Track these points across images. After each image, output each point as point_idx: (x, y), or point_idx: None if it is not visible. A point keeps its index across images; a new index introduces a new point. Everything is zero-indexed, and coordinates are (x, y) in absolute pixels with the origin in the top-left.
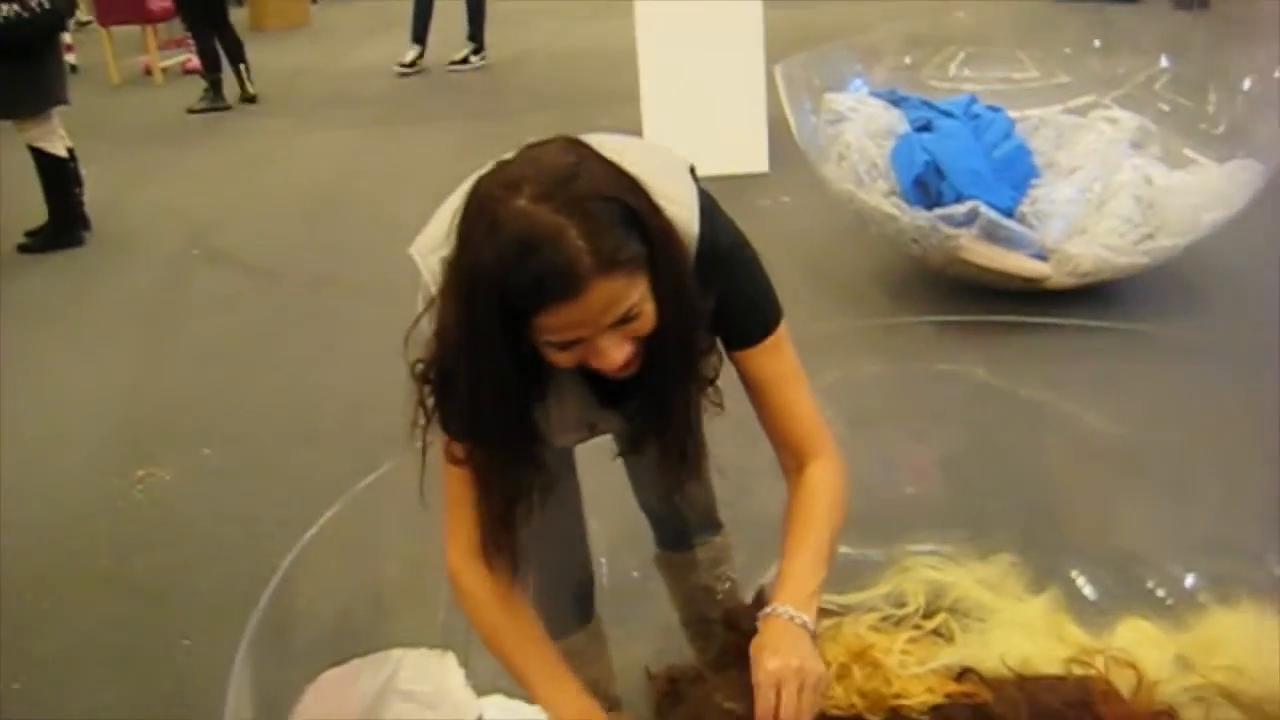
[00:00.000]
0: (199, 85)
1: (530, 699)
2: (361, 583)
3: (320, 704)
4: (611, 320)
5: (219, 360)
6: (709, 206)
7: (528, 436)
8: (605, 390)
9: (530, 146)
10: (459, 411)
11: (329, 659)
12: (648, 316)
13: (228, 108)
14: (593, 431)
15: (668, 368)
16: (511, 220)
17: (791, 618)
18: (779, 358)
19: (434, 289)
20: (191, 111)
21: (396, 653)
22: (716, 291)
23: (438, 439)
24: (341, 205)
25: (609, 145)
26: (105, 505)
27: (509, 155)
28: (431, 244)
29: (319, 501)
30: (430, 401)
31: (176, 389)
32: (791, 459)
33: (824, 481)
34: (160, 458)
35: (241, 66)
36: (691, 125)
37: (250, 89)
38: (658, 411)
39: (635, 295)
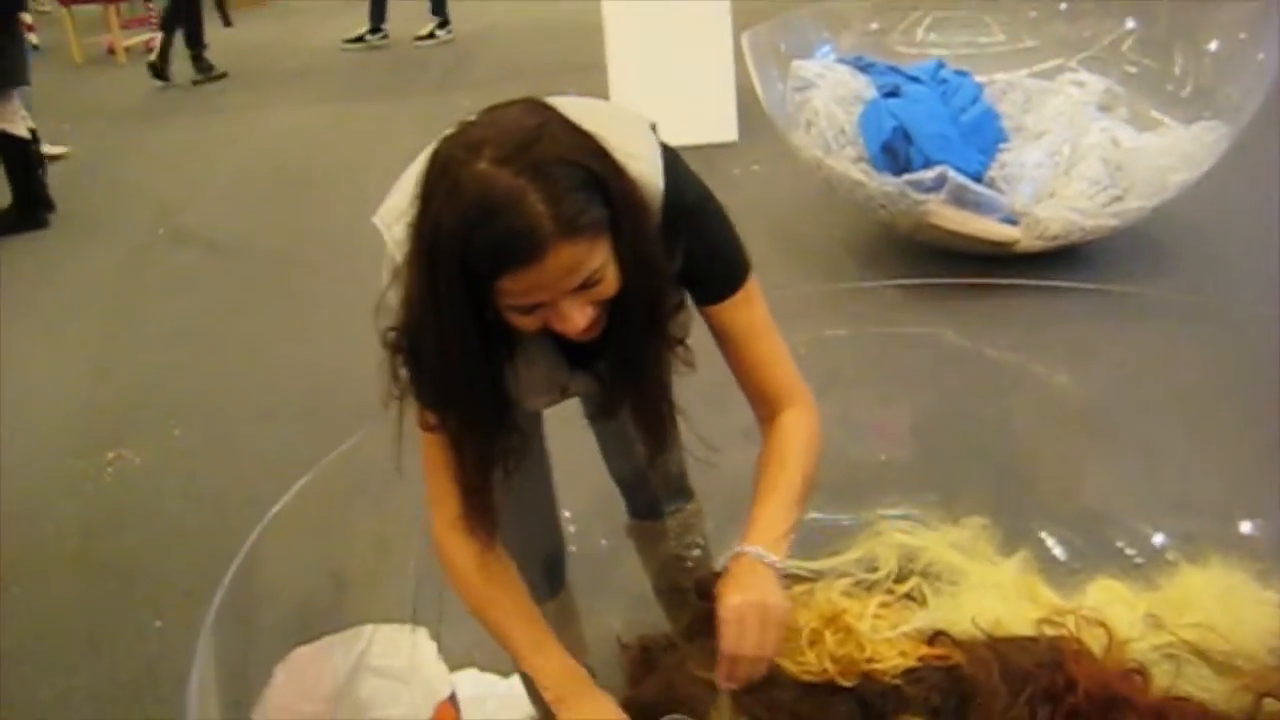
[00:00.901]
0: None
1: (516, 665)
2: (329, 559)
3: (292, 681)
4: (573, 285)
5: (186, 340)
6: (673, 161)
7: (499, 400)
8: (574, 352)
9: (493, 108)
10: (430, 378)
11: (298, 636)
12: (610, 281)
13: (224, 74)
14: (563, 394)
15: (635, 329)
16: (472, 183)
17: (759, 557)
18: (750, 310)
19: (398, 258)
20: (195, 83)
21: (368, 628)
22: (684, 247)
23: (413, 408)
24: (307, 181)
25: (570, 106)
26: (74, 487)
27: (472, 116)
28: (395, 213)
29: (289, 479)
30: (402, 371)
31: (144, 369)
32: (766, 409)
33: (797, 426)
34: (129, 439)
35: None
36: (659, 95)
37: (166, 68)
38: (629, 374)
39: (597, 260)
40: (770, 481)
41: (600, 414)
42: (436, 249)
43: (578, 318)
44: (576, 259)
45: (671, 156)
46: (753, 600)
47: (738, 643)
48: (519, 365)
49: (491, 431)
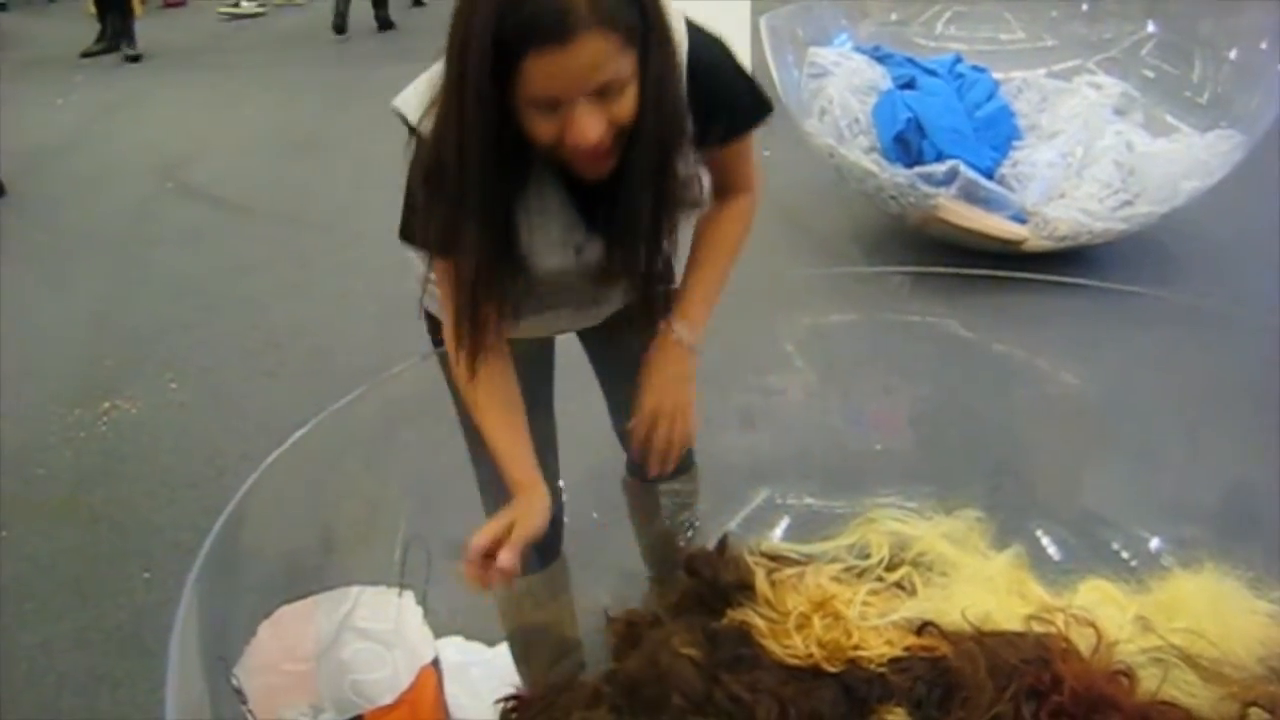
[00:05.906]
0: (175, 18)
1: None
2: (319, 519)
3: (276, 639)
4: (594, 84)
5: (188, 294)
6: (693, 25)
7: (509, 238)
8: (587, 207)
9: None
10: (447, 205)
11: (285, 594)
12: (629, 100)
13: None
14: (577, 253)
15: (642, 166)
16: None
17: (680, 340)
18: (747, 141)
19: (414, 120)
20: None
21: (354, 590)
22: (705, 90)
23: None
24: (315, 143)
25: None
26: (69, 436)
27: None
28: (416, 97)
29: (284, 437)
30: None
31: (144, 321)
32: (722, 194)
33: (743, 210)
34: (126, 390)
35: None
36: None
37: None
38: (628, 214)
39: (622, 66)
40: (710, 257)
41: (600, 279)
42: (470, 30)
43: (592, 126)
44: (602, 54)
45: (693, 24)
46: (664, 407)
47: (650, 440)
48: (533, 217)
49: (499, 267)
